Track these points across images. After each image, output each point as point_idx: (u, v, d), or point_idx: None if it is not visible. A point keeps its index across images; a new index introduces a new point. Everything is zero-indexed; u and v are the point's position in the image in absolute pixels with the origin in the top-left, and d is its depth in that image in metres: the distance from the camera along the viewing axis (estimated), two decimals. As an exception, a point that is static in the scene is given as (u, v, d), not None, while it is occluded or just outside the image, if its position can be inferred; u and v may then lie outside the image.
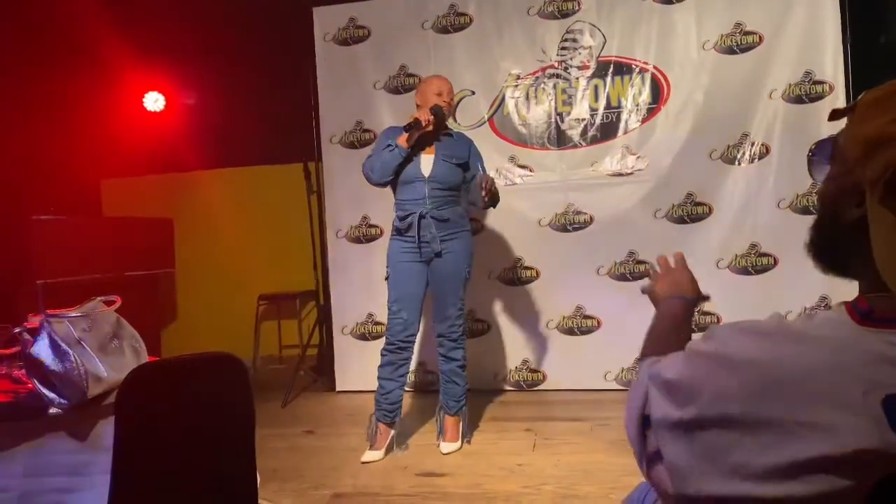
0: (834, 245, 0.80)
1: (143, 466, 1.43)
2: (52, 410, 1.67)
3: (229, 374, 1.56)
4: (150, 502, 1.45)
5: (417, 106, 3.35)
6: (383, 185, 3.28)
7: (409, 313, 3.22)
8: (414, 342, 3.29)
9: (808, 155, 0.86)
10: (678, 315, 1.15)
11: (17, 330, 1.77)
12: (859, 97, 0.77)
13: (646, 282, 1.28)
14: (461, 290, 3.28)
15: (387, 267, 3.33)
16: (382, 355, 3.27)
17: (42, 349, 1.66)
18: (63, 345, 1.67)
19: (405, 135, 3.15)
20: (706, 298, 1.23)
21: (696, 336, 0.89)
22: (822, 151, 0.83)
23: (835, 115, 0.83)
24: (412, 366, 3.79)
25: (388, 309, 3.27)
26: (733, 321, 0.78)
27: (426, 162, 3.23)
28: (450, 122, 4.20)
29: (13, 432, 1.64)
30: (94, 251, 4.47)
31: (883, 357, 0.66)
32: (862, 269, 0.74)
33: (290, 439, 3.58)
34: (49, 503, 1.65)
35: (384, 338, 3.31)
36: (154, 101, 5.65)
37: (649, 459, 0.82)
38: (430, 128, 3.20)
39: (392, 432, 3.28)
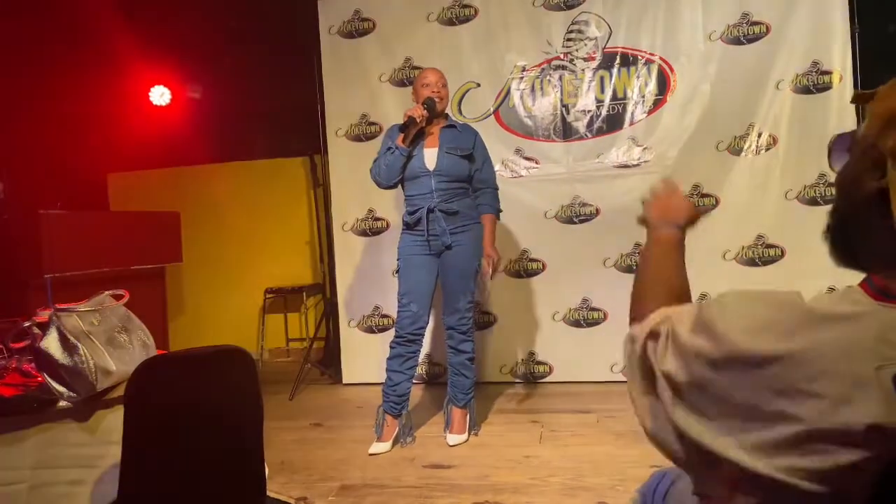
0: (846, 227, 0.81)
1: (151, 459, 1.45)
2: (62, 403, 1.68)
3: (237, 367, 1.57)
4: (158, 494, 1.46)
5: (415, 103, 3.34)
6: (394, 186, 3.29)
7: (418, 306, 3.22)
8: (423, 335, 3.29)
9: (828, 146, 0.86)
10: (669, 240, 1.09)
11: (26, 324, 1.78)
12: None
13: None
14: (471, 283, 3.28)
15: (397, 260, 3.33)
16: (391, 347, 3.27)
17: (51, 343, 1.68)
18: (72, 338, 1.68)
19: (402, 134, 3.15)
20: (704, 213, 1.17)
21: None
22: (841, 143, 0.84)
23: (857, 98, 0.84)
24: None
25: (398, 302, 3.27)
26: (745, 289, 0.79)
27: (430, 156, 3.22)
28: (455, 115, 4.22)
29: (23, 425, 1.66)
30: (101, 245, 4.47)
31: None
32: (872, 249, 0.75)
33: (297, 432, 3.60)
34: (59, 495, 1.67)
35: (393, 330, 3.32)
36: (160, 96, 5.64)
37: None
38: (424, 123, 3.18)
39: (399, 424, 3.29)
